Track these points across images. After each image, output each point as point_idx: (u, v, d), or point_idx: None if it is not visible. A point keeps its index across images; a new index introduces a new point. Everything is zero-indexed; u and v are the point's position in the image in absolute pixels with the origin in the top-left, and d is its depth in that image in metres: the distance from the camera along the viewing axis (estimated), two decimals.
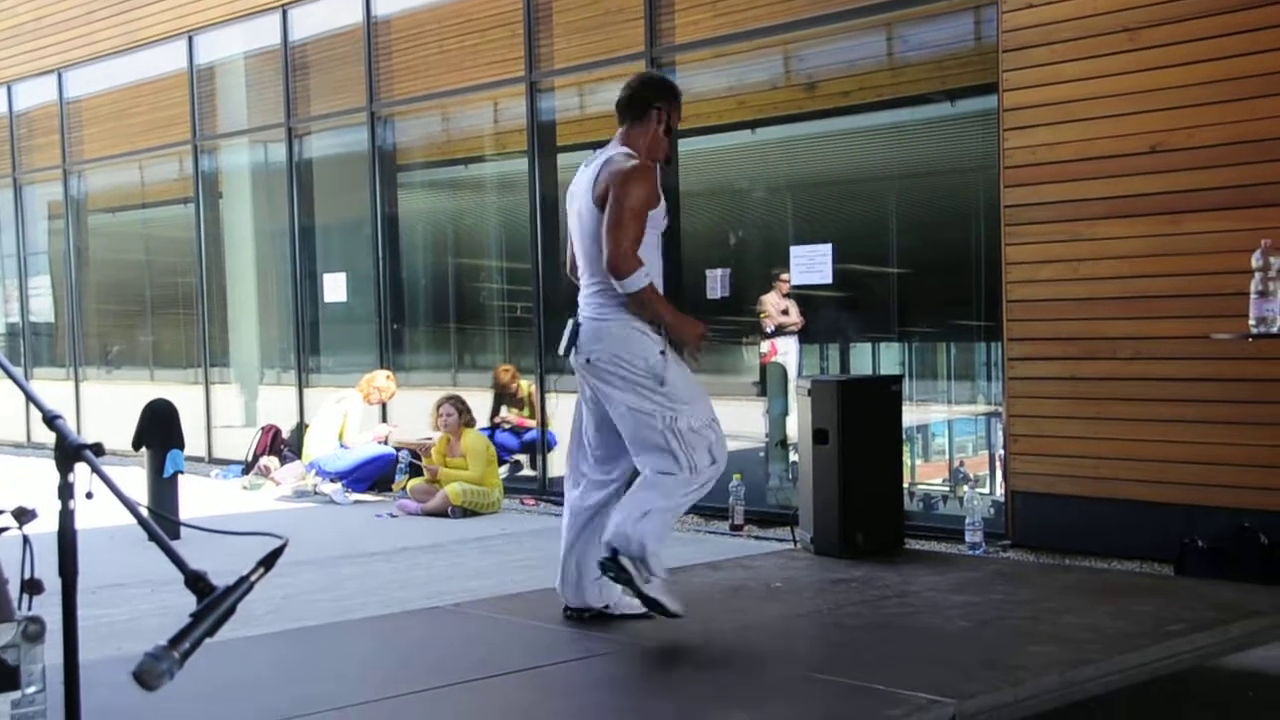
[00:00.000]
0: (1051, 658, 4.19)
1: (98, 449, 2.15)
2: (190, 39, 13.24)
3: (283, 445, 11.90)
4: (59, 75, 14.99)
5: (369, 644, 4.78)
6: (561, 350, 5.02)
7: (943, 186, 8.82)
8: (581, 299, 5.01)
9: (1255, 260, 5.63)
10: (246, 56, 13.01)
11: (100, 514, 2.24)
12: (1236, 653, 4.79)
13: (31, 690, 2.39)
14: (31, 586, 2.33)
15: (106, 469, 2.11)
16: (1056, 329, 7.40)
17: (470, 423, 9.95)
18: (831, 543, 6.12)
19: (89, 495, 2.15)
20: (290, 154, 12.56)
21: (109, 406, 13.90)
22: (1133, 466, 7.08)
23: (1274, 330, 5.60)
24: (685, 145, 9.59)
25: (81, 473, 2.13)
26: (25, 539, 2.29)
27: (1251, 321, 5.66)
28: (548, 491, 10.26)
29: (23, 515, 2.31)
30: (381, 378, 11.05)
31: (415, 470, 10.22)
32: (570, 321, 5.00)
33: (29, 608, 2.39)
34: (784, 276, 8.97)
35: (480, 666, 4.22)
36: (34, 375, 15.63)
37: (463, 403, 9.93)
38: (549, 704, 3.85)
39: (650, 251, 4.82)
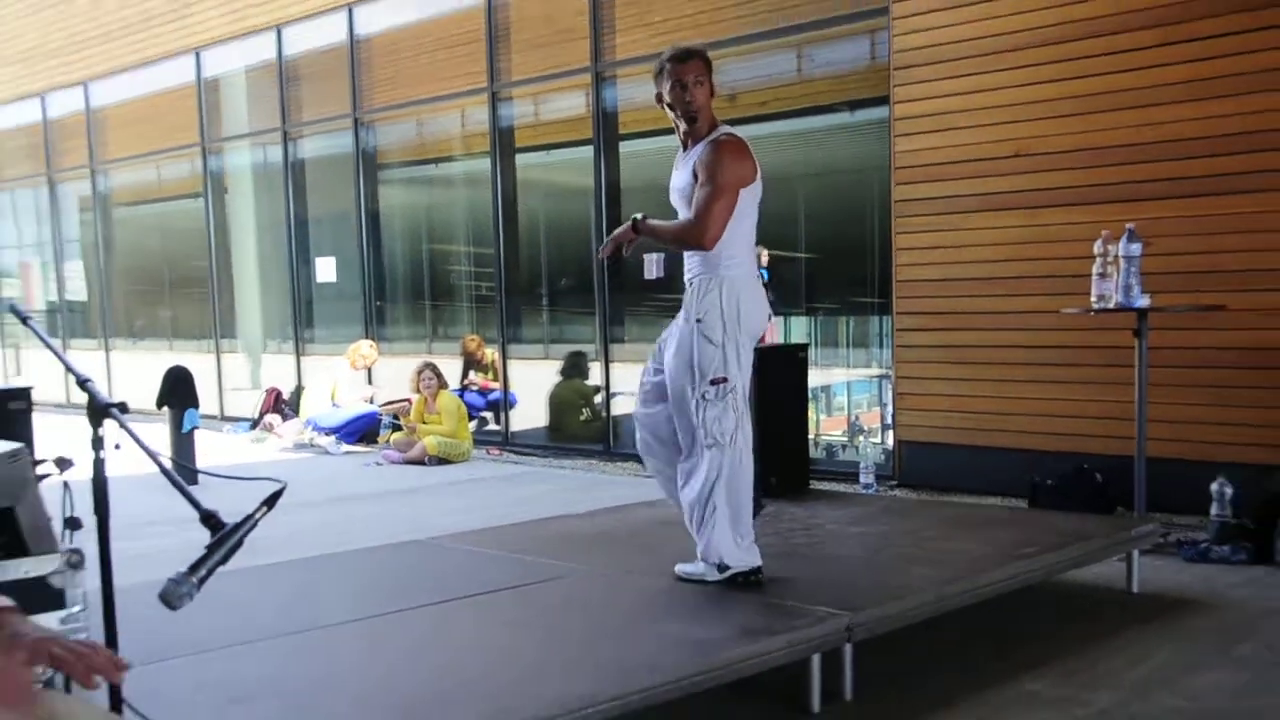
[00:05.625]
0: (929, 577, 4.25)
1: (123, 407, 2.15)
2: (197, 55, 13.10)
3: (283, 405, 11.86)
4: (85, 87, 14.79)
5: (358, 571, 4.79)
6: (771, 314, 4.31)
7: (843, 184, 8.89)
8: (753, 269, 4.30)
9: (1096, 248, 5.75)
10: (247, 70, 12.87)
11: (128, 463, 2.26)
12: (1075, 569, 4.92)
13: (76, 609, 2.43)
14: (72, 523, 2.36)
15: (132, 425, 2.12)
16: (937, 305, 7.48)
17: (445, 385, 10.00)
18: None
19: (117, 447, 2.15)
20: (286, 154, 12.45)
21: (134, 372, 13.78)
22: (996, 419, 7.21)
23: (1110, 306, 5.73)
24: (626, 146, 9.63)
25: (110, 428, 2.14)
26: (65, 484, 2.32)
27: (1093, 298, 5.79)
28: (509, 443, 10.31)
29: (62, 464, 2.34)
30: (365, 346, 11.03)
31: (397, 426, 10.25)
32: (764, 287, 4.33)
33: (70, 541, 2.42)
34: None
35: (456, 588, 4.23)
36: (70, 345, 15.48)
37: (438, 370, 9.99)
38: (512, 616, 3.89)
39: None
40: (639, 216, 4.28)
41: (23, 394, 5.03)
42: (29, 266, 16.79)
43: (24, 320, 2.33)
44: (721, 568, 4.13)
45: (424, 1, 10.83)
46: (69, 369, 2.24)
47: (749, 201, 4.17)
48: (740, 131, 4.35)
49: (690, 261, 4.26)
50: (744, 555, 4.14)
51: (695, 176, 4.13)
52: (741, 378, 4.14)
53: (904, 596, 4.01)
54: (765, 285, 4.32)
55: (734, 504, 4.12)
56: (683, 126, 4.24)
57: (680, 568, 4.25)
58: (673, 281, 9.07)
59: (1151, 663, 4.10)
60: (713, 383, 4.08)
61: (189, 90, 13.36)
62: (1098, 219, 6.24)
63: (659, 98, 4.26)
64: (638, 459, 8.92)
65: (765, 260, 8.88)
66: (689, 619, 3.77)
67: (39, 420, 5.00)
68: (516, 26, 10.19)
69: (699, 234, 4.08)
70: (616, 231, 4.35)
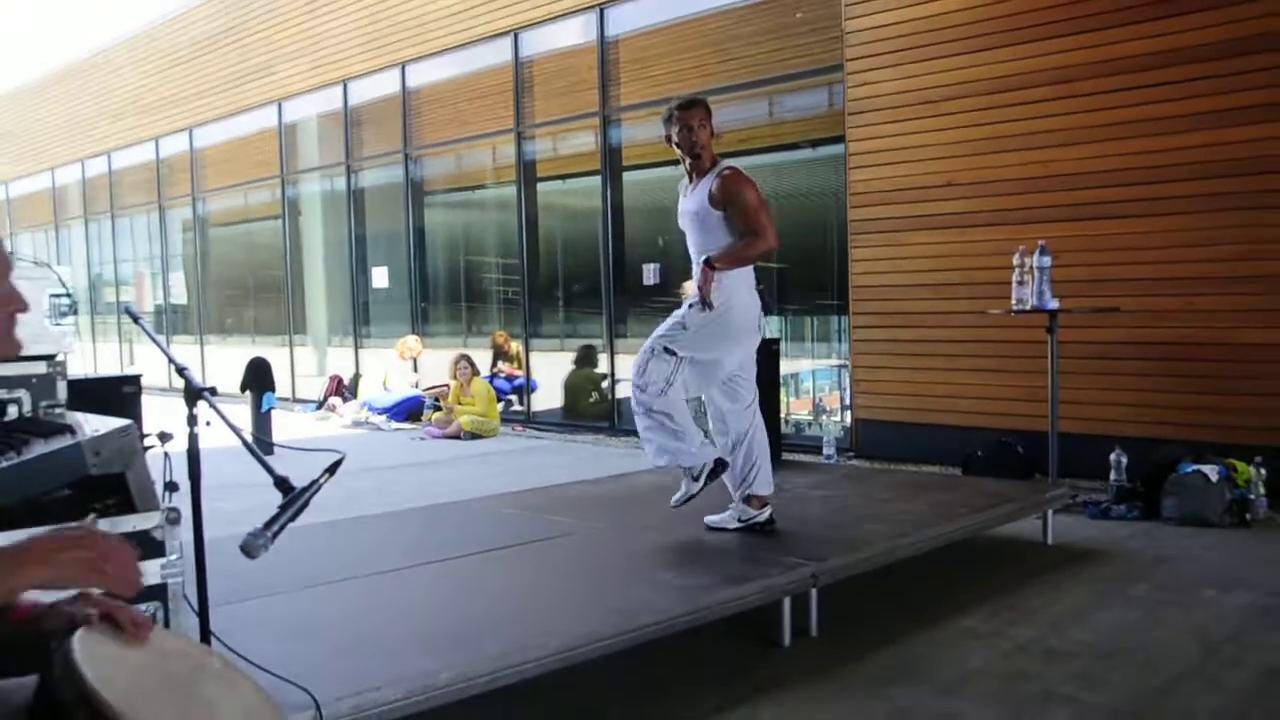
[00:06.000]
0: (880, 533, 4.23)
1: (213, 391, 2.13)
2: (279, 105, 13.09)
3: (344, 389, 11.83)
4: (190, 133, 14.87)
5: (405, 527, 4.76)
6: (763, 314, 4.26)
7: (808, 208, 8.84)
8: (750, 278, 4.21)
9: (1015, 260, 5.74)
10: (319, 116, 12.86)
11: (216, 437, 2.24)
12: (1000, 525, 4.91)
13: (174, 557, 2.40)
14: (170, 486, 2.34)
15: (220, 406, 2.10)
16: (885, 306, 7.47)
17: (477, 373, 9.96)
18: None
19: (208, 423, 2.13)
20: (349, 184, 12.43)
21: (223, 361, 13.78)
22: (935, 401, 7.19)
23: (1027, 308, 5.72)
24: (628, 176, 9.59)
25: (203, 408, 2.11)
26: (166, 454, 2.29)
27: (1013, 302, 5.78)
28: (531, 421, 10.28)
29: (164, 437, 2.31)
30: (412, 340, 11.02)
31: (437, 407, 10.22)
32: (760, 293, 4.25)
33: (169, 501, 2.39)
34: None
35: (487, 542, 4.21)
36: (173, 340, 15.46)
37: (472, 360, 9.95)
38: (533, 566, 3.87)
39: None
40: (706, 259, 4.11)
41: (133, 380, 4.99)
42: (142, 276, 16.88)
43: (135, 319, 2.31)
44: (696, 475, 4.16)
45: (463, 59, 10.78)
46: (170, 359, 2.22)
47: None
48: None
49: (701, 269, 4.18)
50: (699, 455, 4.16)
51: (710, 203, 4.10)
52: (693, 361, 4.11)
53: (860, 549, 3.99)
54: (760, 291, 4.25)
55: (676, 423, 4.10)
56: (689, 162, 4.20)
57: (709, 519, 4.28)
58: (668, 285, 9.11)
59: (1063, 603, 4.08)
60: (666, 349, 4.11)
61: (272, 133, 13.36)
62: (1015, 237, 6.22)
63: (668, 138, 4.23)
64: (639, 435, 8.93)
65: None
66: (680, 568, 3.75)
67: (146, 401, 4.95)
68: (539, 79, 10.16)
69: (762, 243, 4.06)
70: (699, 280, 4.13)
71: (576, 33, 9.65)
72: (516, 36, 10.07)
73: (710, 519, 4.28)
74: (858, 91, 7.47)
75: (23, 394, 2.98)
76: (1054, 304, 5.63)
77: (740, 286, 4.14)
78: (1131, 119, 6.24)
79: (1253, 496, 5.45)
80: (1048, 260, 5.60)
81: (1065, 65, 6.47)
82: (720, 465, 4.19)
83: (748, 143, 8.97)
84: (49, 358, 3.06)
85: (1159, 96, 6.14)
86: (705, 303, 4.05)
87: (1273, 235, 5.82)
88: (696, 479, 4.19)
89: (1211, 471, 5.42)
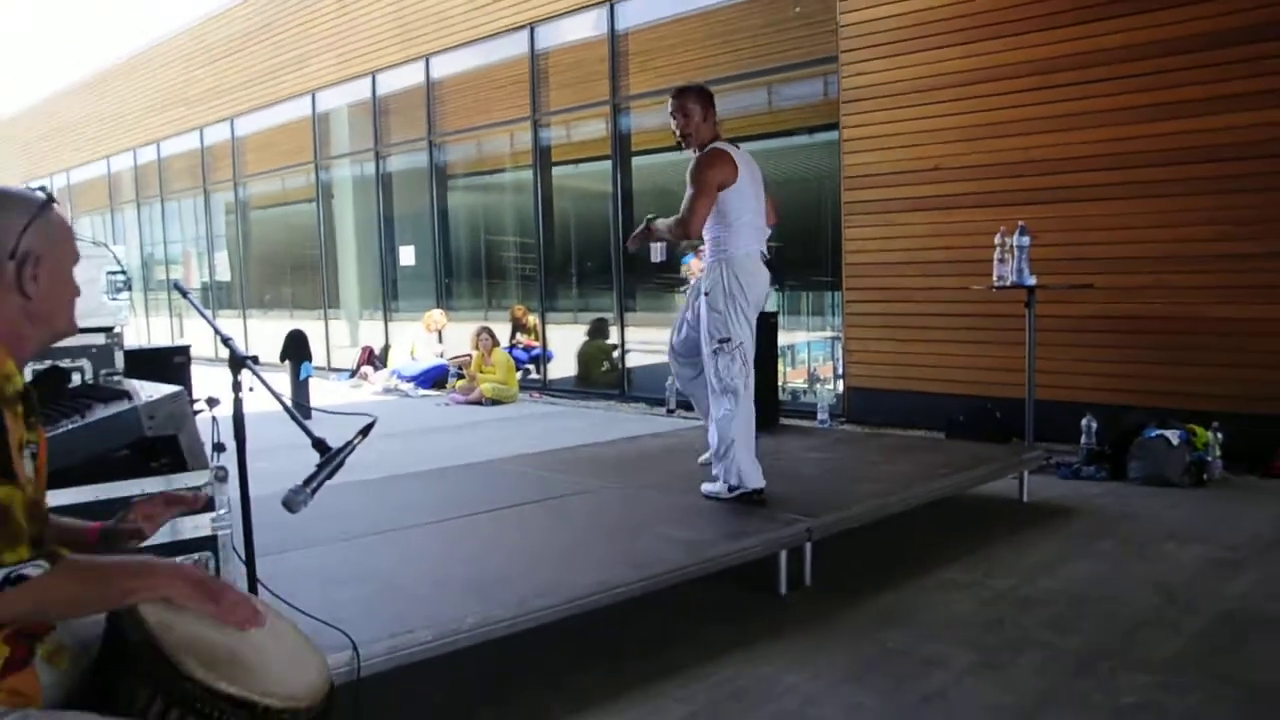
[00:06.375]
0: (870, 491, 4.24)
1: (256, 360, 2.13)
2: (313, 95, 13.04)
3: (375, 359, 11.87)
4: (231, 122, 14.85)
5: (432, 486, 4.78)
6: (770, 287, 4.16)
7: (805, 190, 8.79)
8: (754, 250, 4.09)
9: (997, 239, 5.73)
10: (349, 106, 12.79)
11: (259, 402, 2.26)
12: (979, 485, 4.92)
13: (223, 512, 2.43)
14: (218, 448, 2.36)
15: (262, 374, 2.12)
16: (876, 282, 7.44)
17: (497, 344, 9.97)
18: None
19: (251, 390, 2.14)
20: (377, 169, 12.40)
21: (264, 333, 13.83)
22: (921, 370, 7.19)
23: (1007, 284, 5.71)
24: (636, 161, 9.54)
25: (246, 376, 2.12)
26: (213, 418, 2.31)
27: (994, 278, 5.77)
28: (547, 389, 10.30)
29: (211, 402, 2.33)
30: (437, 314, 11.02)
31: (460, 375, 10.24)
32: (765, 260, 4.10)
33: (217, 461, 2.41)
34: (702, 248, 8.91)
35: (508, 499, 4.23)
36: (218, 314, 15.50)
37: (492, 332, 9.96)
38: (550, 521, 3.90)
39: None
40: (650, 217, 4.21)
41: (183, 350, 5.02)
42: (189, 255, 16.96)
43: (184, 295, 2.33)
44: (732, 488, 4.02)
45: (483, 52, 10.71)
46: (216, 331, 2.23)
47: (737, 198, 4.03)
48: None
49: (706, 248, 4.16)
50: (755, 478, 4.03)
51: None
52: (743, 336, 4.01)
53: (851, 506, 4.01)
54: (769, 264, 4.14)
55: (746, 436, 4.01)
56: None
57: (704, 487, 4.16)
58: (674, 263, 9.08)
59: (1036, 555, 4.10)
60: (720, 341, 4.03)
61: (306, 122, 13.32)
62: (997, 218, 6.19)
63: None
64: (648, 401, 8.99)
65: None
66: (685, 524, 3.76)
67: (195, 370, 4.99)
68: (553, 70, 10.10)
69: (684, 227, 4.04)
70: (635, 231, 4.29)
71: (589, 26, 9.58)
72: (533, 30, 10.00)
73: (706, 487, 4.20)
74: (851, 81, 7.41)
75: (85, 363, 3.02)
76: (1032, 280, 5.62)
77: (748, 265, 4.03)
78: (1108, 108, 6.19)
79: (1210, 459, 5.46)
80: (1027, 240, 5.59)
81: (1047, 57, 6.41)
82: (759, 493, 4.00)
83: (747, 129, 8.90)
84: (107, 330, 3.09)
85: (1134, 87, 6.08)
86: (641, 242, 4.22)
87: (1237, 217, 5.79)
88: (732, 490, 4.02)
89: (1173, 436, 5.42)
